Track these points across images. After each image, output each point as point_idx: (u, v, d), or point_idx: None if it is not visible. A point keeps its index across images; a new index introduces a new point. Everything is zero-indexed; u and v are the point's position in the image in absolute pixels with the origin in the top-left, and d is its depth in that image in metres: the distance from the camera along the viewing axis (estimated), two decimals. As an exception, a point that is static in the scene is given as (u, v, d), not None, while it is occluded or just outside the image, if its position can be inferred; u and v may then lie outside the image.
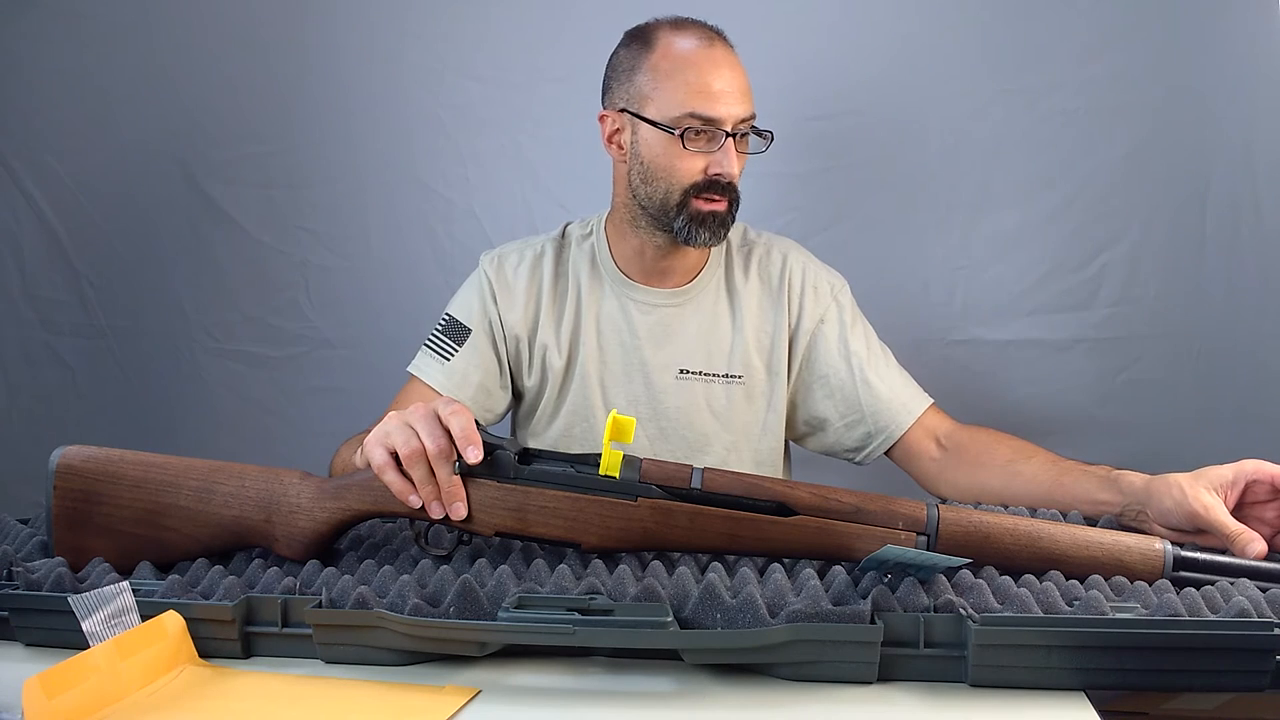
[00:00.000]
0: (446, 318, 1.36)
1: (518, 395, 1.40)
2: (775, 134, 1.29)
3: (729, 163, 1.23)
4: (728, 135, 1.22)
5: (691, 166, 1.24)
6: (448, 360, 1.32)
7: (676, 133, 1.22)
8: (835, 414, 1.35)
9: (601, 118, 1.31)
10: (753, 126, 1.26)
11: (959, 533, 0.87)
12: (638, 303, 1.35)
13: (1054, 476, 1.12)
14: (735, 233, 1.41)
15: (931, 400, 1.34)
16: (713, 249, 1.37)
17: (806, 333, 1.35)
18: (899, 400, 1.32)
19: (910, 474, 1.33)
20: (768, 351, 1.35)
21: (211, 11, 1.80)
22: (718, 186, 1.24)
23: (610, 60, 1.31)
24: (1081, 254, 1.68)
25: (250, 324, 1.86)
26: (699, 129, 1.22)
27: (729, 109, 1.22)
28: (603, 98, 1.32)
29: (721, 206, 1.25)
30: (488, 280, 1.35)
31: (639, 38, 1.28)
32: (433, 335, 1.35)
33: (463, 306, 1.36)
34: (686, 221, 1.26)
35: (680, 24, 1.27)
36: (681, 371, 1.34)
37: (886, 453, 1.34)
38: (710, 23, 1.29)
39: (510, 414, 1.42)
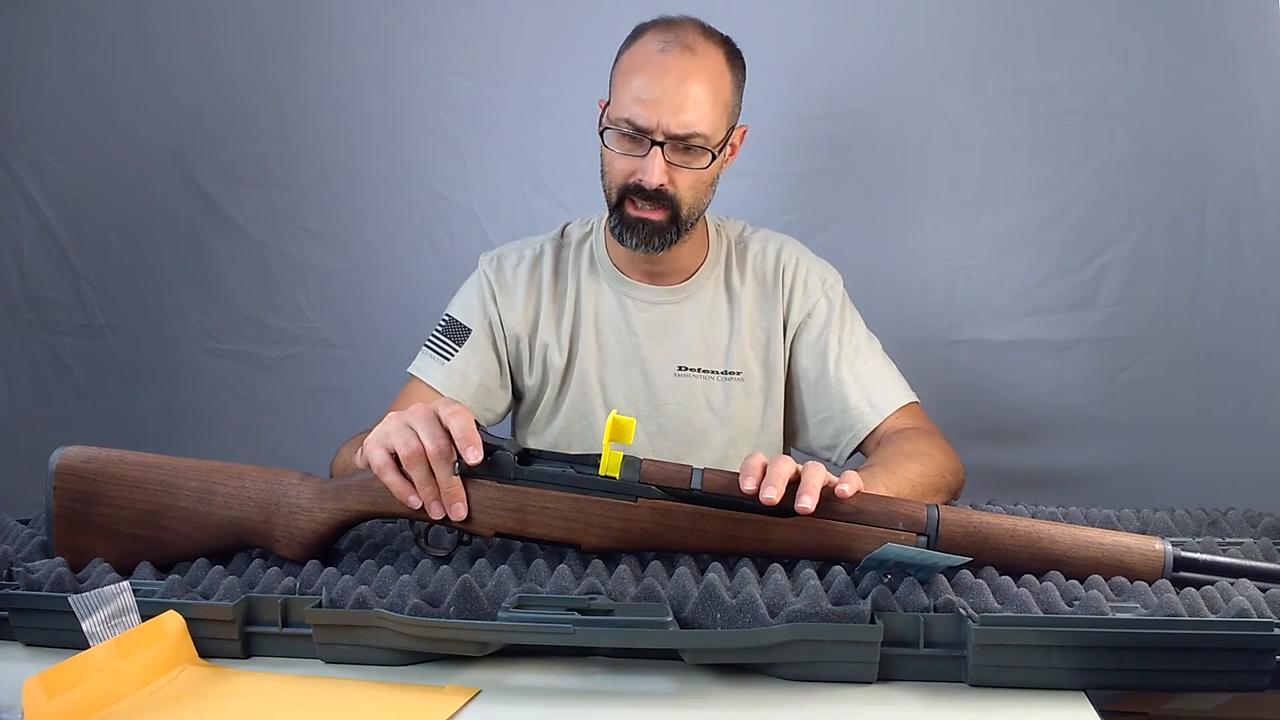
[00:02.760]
0: (446, 318, 1.36)
1: (518, 395, 1.40)
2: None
3: (648, 171, 1.21)
4: (654, 144, 1.20)
5: (620, 168, 1.24)
6: (448, 360, 1.32)
7: (600, 130, 1.24)
8: (811, 410, 1.35)
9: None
10: (707, 145, 1.22)
11: (959, 533, 0.87)
12: (636, 300, 1.35)
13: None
14: (733, 230, 1.41)
15: (910, 400, 1.31)
16: (711, 245, 1.37)
17: (793, 327, 1.36)
18: (869, 399, 1.30)
19: None
20: (764, 348, 1.35)
21: (211, 12, 1.80)
22: (644, 193, 1.23)
23: None
24: (1081, 254, 1.68)
25: (249, 324, 1.86)
26: (624, 132, 1.22)
27: (658, 119, 1.19)
28: None
29: (655, 215, 1.24)
30: (487, 280, 1.36)
31: (633, 33, 1.28)
32: (433, 336, 1.35)
33: (462, 307, 1.36)
34: (618, 222, 1.27)
35: (665, 25, 1.25)
36: (680, 368, 1.35)
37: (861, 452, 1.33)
38: (706, 23, 1.27)
39: (510, 414, 1.42)
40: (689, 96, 1.20)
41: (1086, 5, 1.63)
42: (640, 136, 1.21)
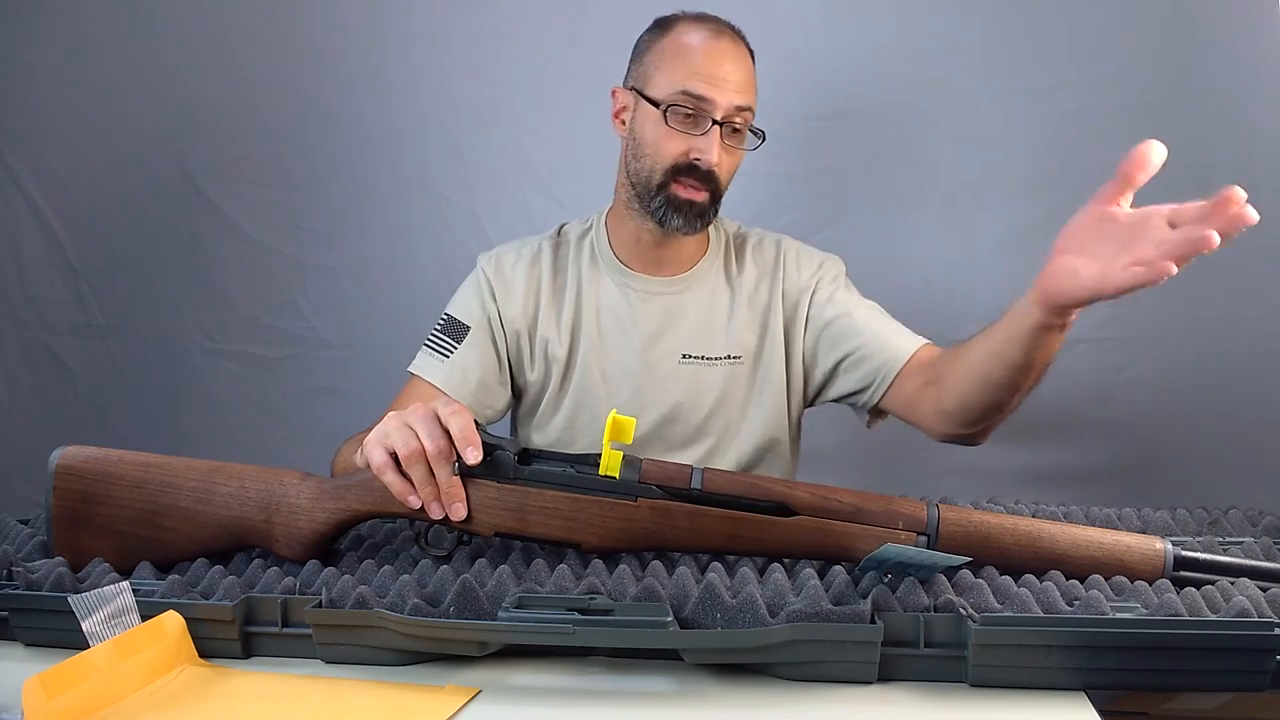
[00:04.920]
0: (445, 317, 1.36)
1: (518, 392, 1.40)
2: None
3: (710, 148, 1.24)
4: (715, 123, 1.23)
5: (674, 147, 1.25)
6: (447, 358, 1.33)
7: (662, 108, 1.25)
8: (838, 354, 1.34)
9: (613, 92, 1.34)
10: (750, 127, 1.28)
11: (959, 533, 0.87)
12: (638, 291, 1.36)
13: (982, 335, 1.11)
14: (730, 226, 1.43)
15: (926, 341, 1.31)
16: (711, 239, 1.39)
17: (802, 303, 1.36)
18: (892, 337, 1.31)
19: (913, 420, 1.29)
20: (760, 325, 1.36)
21: (211, 12, 1.80)
22: (697, 173, 1.25)
23: (635, 43, 1.34)
24: (1081, 254, 1.68)
25: (248, 324, 1.86)
26: (687, 110, 1.24)
27: (722, 95, 1.23)
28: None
29: (700, 196, 1.26)
30: (485, 278, 1.36)
31: (660, 24, 1.31)
32: (432, 335, 1.35)
33: (461, 305, 1.37)
34: (663, 204, 1.28)
35: (701, 17, 1.30)
36: (684, 356, 1.35)
37: (887, 401, 1.31)
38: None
39: (510, 412, 1.43)
40: (745, 77, 1.27)
41: (1087, 5, 1.63)
42: (702, 115, 1.24)
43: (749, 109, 1.26)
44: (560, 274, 1.38)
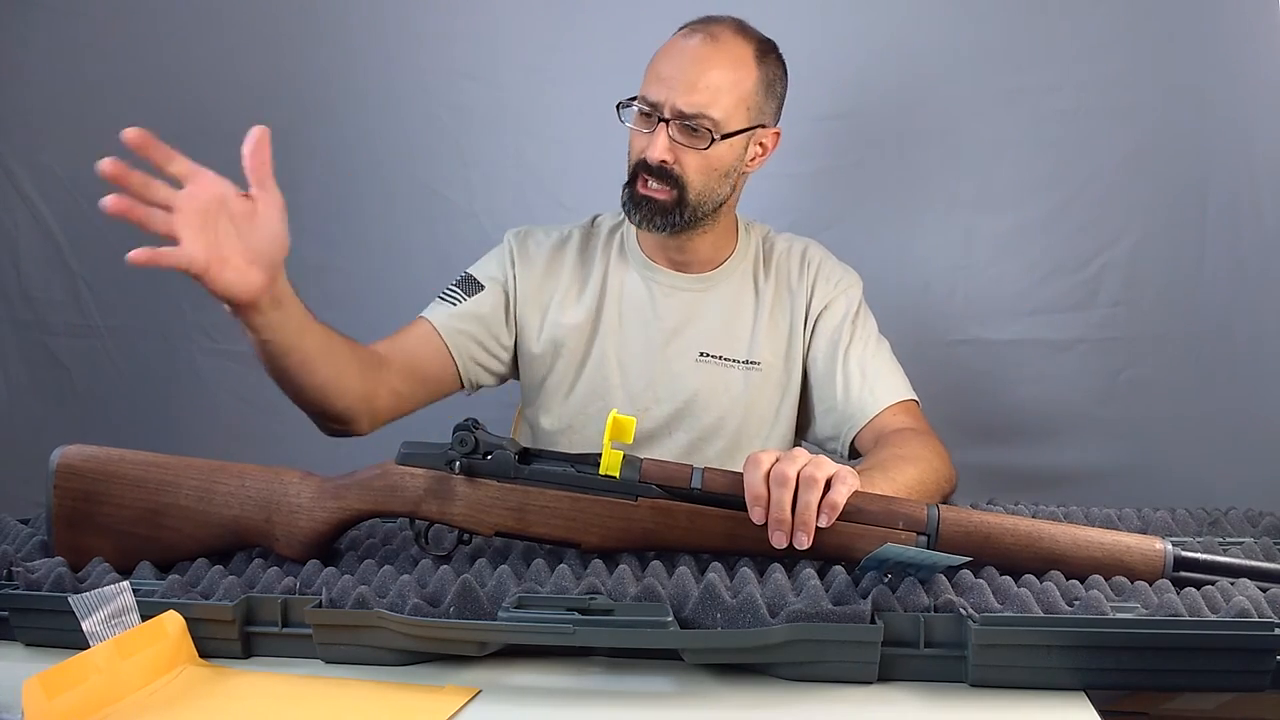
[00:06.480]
0: (464, 274, 1.38)
1: (520, 366, 1.40)
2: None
3: (651, 146, 1.25)
4: (660, 120, 1.25)
5: (635, 145, 1.29)
6: (454, 306, 1.34)
7: (616, 106, 1.28)
8: (817, 399, 1.36)
9: None
10: (706, 126, 1.24)
11: (959, 533, 0.87)
12: (662, 285, 1.37)
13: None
14: (760, 231, 1.44)
15: (910, 398, 1.32)
16: (740, 240, 1.40)
17: (814, 317, 1.37)
18: (870, 390, 1.32)
19: None
20: (785, 341, 1.37)
21: (211, 13, 1.80)
22: (651, 169, 1.26)
23: None
24: (1081, 254, 1.68)
25: (249, 324, 1.86)
26: (642, 110, 1.27)
27: (666, 94, 1.24)
28: None
29: (659, 195, 1.27)
30: (510, 248, 1.39)
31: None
32: (447, 288, 1.37)
33: (481, 267, 1.39)
34: (628, 198, 1.30)
35: (697, 21, 1.30)
36: (701, 354, 1.36)
37: (856, 451, 1.33)
38: (746, 23, 1.30)
39: (521, 396, 1.43)
40: (701, 79, 1.24)
41: (1087, 5, 1.63)
42: (651, 113, 1.25)
43: (699, 114, 1.23)
44: (587, 261, 1.39)
